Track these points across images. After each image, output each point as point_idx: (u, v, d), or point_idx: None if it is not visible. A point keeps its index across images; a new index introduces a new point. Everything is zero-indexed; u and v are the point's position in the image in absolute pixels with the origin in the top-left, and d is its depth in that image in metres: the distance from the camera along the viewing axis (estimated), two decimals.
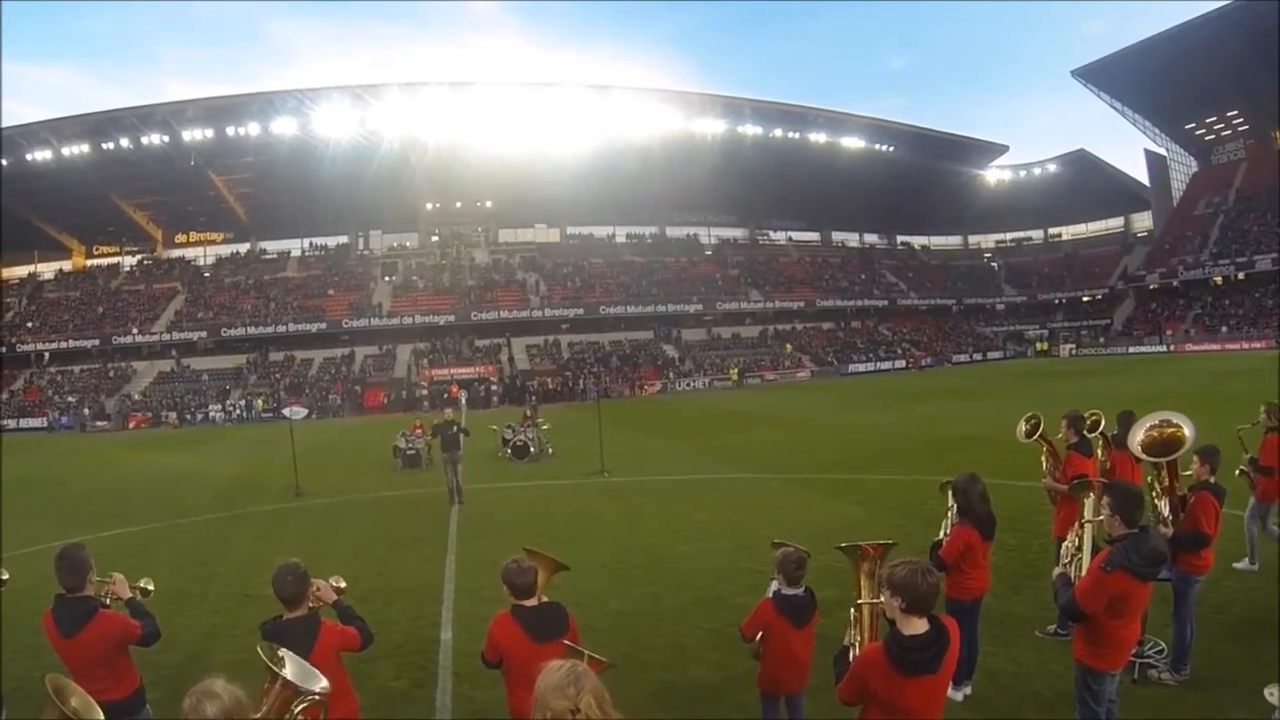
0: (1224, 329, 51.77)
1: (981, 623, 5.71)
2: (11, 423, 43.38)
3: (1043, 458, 7.52)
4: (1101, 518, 4.37)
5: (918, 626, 3.08)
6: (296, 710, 2.72)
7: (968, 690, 5.46)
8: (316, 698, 2.78)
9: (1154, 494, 5.62)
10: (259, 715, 2.55)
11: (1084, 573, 4.30)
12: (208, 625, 7.77)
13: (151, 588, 4.67)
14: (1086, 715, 4.25)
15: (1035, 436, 7.45)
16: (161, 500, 16.38)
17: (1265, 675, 4.70)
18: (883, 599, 3.21)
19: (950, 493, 5.58)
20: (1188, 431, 5.27)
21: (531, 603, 3.93)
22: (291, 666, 2.75)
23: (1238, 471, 8.04)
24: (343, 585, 4.16)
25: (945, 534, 5.51)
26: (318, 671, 2.89)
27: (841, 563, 4.06)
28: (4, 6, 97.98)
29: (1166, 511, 5.60)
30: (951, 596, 5.30)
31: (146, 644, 4.20)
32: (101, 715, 2.65)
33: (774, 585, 4.49)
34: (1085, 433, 7.59)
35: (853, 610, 3.69)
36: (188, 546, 11.62)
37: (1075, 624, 4.26)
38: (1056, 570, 4.65)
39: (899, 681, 3.05)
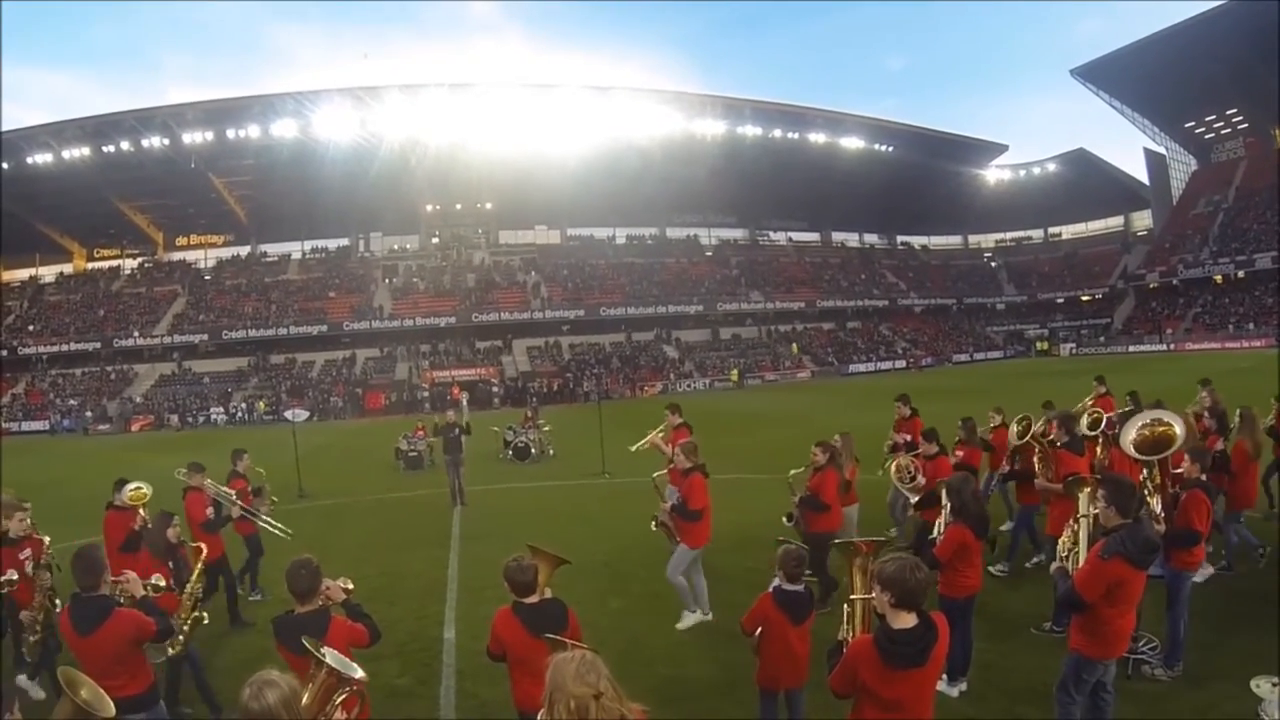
0: (1226, 327, 51.78)
1: (977, 619, 5.80)
2: (14, 425, 43.47)
3: (1035, 458, 7.62)
4: (1096, 511, 4.48)
5: (907, 621, 3.16)
6: (338, 700, 2.82)
7: (963, 686, 5.54)
8: (355, 687, 2.88)
9: (1146, 491, 5.71)
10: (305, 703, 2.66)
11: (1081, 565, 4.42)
12: (215, 625, 7.83)
13: (162, 584, 4.80)
14: (1065, 701, 4.39)
15: (1027, 437, 7.56)
16: (165, 503, 16.42)
17: (1257, 671, 4.79)
18: (874, 594, 3.31)
19: (945, 492, 5.68)
20: (1178, 430, 5.36)
21: (533, 600, 4.03)
22: (332, 657, 2.86)
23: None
24: (350, 586, 4.27)
25: (939, 533, 5.60)
26: (353, 663, 3.00)
27: (839, 562, 4.15)
28: (8, 11, 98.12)
29: (1159, 509, 5.69)
30: (945, 594, 5.40)
31: (160, 640, 4.32)
32: (113, 707, 2.75)
33: (775, 582, 4.58)
34: (1086, 430, 7.71)
35: (846, 605, 3.79)
36: None
37: (1075, 614, 4.36)
38: (1054, 565, 4.77)
39: (887, 674, 3.14)
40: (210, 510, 8.12)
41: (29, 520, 6.71)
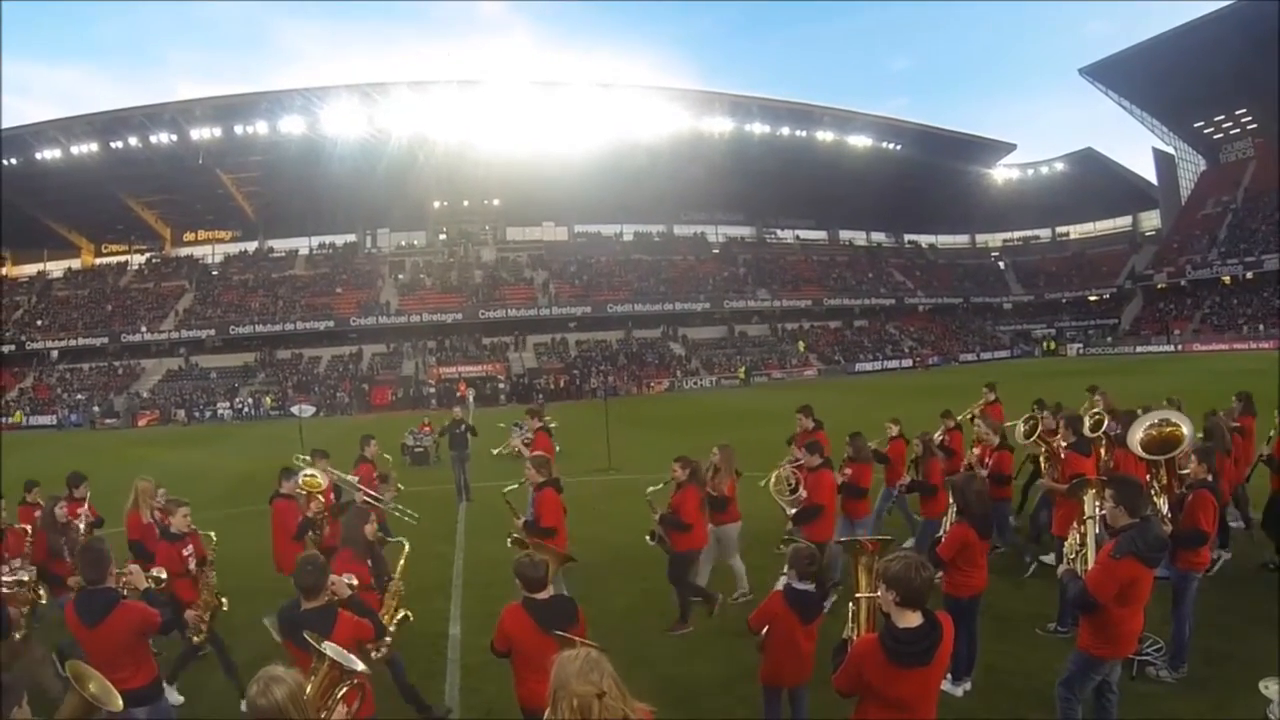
0: (1234, 328, 51.52)
1: (982, 619, 5.79)
2: (22, 419, 43.72)
3: (1041, 458, 7.58)
4: (1104, 512, 4.47)
5: (911, 619, 3.17)
6: (339, 694, 2.83)
7: (967, 685, 5.53)
8: (356, 681, 2.89)
9: (1153, 492, 5.69)
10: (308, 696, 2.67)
11: (1089, 567, 4.41)
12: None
13: (164, 576, 4.82)
14: (1067, 698, 4.39)
15: (1033, 437, 7.53)
16: (174, 493, 16.48)
17: (1263, 673, 4.76)
18: (879, 592, 3.30)
19: (950, 491, 5.66)
20: (1186, 431, 5.34)
21: (543, 596, 4.04)
22: (333, 651, 2.87)
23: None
24: (355, 582, 4.30)
25: (944, 532, 5.59)
26: (354, 657, 3.00)
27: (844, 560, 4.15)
28: (18, 9, 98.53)
29: (1166, 509, 5.67)
30: (949, 594, 5.39)
31: (165, 632, 4.35)
32: (120, 701, 2.77)
33: (782, 580, 4.58)
34: (1088, 431, 7.67)
35: (851, 604, 3.79)
36: None
37: (1085, 615, 4.36)
38: (1062, 568, 4.76)
39: (892, 673, 3.14)
40: (332, 496, 8.06)
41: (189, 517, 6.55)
